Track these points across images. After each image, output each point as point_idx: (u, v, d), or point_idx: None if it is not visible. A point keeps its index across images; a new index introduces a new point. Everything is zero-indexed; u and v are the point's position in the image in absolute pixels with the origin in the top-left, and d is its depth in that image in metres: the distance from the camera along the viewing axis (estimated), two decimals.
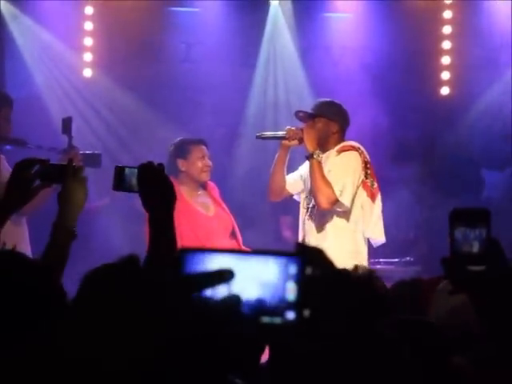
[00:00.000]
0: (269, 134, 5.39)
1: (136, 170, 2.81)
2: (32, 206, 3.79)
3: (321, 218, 5.16)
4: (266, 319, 1.16)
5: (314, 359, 1.40)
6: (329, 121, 5.23)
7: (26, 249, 5.00)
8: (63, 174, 2.98)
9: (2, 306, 1.93)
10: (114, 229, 7.03)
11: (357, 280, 1.57)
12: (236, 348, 1.19)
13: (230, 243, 5.30)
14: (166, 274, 1.19)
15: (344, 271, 1.48)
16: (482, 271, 1.81)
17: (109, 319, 1.13)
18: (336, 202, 5.04)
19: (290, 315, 1.17)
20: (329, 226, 5.14)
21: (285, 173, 5.36)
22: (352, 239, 5.12)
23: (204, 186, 5.55)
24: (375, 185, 5.21)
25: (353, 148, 5.18)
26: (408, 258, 7.23)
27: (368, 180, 5.16)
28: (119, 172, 2.91)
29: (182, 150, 5.47)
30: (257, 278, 1.16)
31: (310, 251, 1.34)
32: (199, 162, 5.45)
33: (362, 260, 5.05)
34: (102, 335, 1.12)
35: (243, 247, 5.41)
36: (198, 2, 8.10)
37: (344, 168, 5.10)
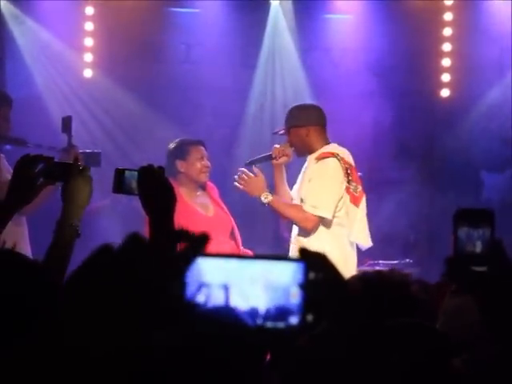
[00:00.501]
0: (257, 158, 5.38)
1: (136, 173, 2.79)
2: (33, 205, 3.78)
3: None
4: (269, 324, 1.16)
5: (320, 363, 1.40)
6: (297, 128, 5.20)
7: (26, 248, 5.00)
8: (67, 173, 2.98)
9: (1, 305, 1.93)
10: (114, 230, 7.01)
11: (393, 283, 1.57)
12: (237, 356, 1.19)
13: (229, 244, 5.30)
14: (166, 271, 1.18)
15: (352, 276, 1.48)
16: (485, 271, 1.81)
17: (103, 307, 1.12)
18: (314, 217, 5.01)
19: (294, 320, 1.17)
20: (312, 231, 5.09)
21: (287, 189, 5.35)
22: (337, 243, 5.05)
23: (203, 187, 5.55)
24: (359, 188, 5.17)
25: (331, 155, 5.11)
26: (407, 260, 7.23)
27: (351, 185, 5.12)
28: (119, 174, 2.88)
29: (180, 151, 5.46)
30: (260, 283, 1.16)
31: (312, 256, 1.34)
32: (198, 163, 5.45)
33: (351, 263, 5.05)
34: (95, 322, 1.11)
35: (242, 248, 5.42)
36: (199, 3, 8.10)
37: (320, 178, 5.07)
